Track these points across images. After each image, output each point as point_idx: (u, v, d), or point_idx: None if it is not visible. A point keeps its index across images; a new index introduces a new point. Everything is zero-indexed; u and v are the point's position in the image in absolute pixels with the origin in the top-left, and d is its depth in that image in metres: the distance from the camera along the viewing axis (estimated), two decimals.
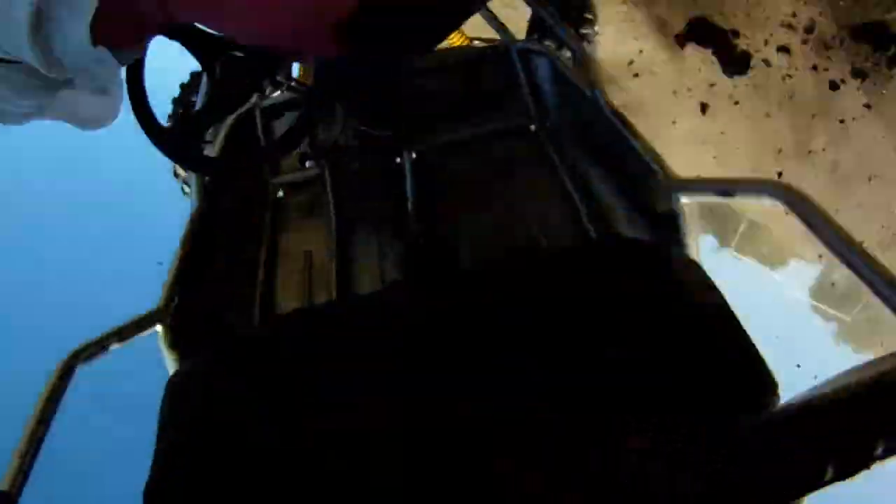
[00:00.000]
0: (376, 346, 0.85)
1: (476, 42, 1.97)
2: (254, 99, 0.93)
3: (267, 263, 1.69)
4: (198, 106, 1.54)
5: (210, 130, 1.63)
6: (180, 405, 0.89)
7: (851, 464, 0.50)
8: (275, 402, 0.82)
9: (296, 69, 1.74)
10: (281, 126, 1.89)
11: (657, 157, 1.24)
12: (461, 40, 2.00)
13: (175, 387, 0.93)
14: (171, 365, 1.17)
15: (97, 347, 1.05)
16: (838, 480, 0.50)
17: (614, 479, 0.62)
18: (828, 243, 0.78)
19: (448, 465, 0.69)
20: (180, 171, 2.25)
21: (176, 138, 0.91)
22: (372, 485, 0.70)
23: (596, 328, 0.81)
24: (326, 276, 1.63)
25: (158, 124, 0.95)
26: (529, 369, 0.79)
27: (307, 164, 1.85)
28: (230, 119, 0.91)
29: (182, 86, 2.15)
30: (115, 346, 1.09)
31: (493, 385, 0.77)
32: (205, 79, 1.59)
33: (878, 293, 0.70)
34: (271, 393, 0.83)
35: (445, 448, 0.70)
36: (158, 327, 1.20)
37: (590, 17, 1.93)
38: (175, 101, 2.10)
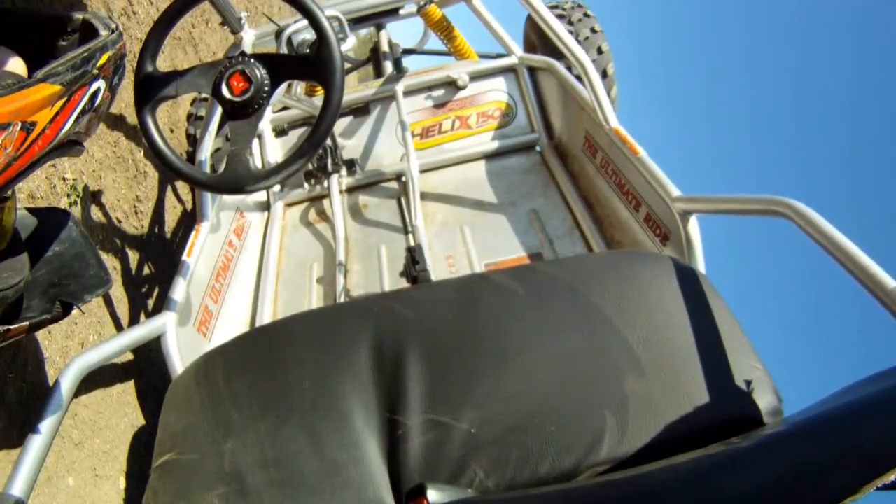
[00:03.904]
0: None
1: (484, 59, 1.99)
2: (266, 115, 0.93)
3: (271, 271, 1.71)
4: (208, 132, 1.54)
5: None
6: (180, 410, 0.88)
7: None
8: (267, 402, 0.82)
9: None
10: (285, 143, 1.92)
11: (662, 176, 1.27)
12: (470, 57, 2.02)
13: (176, 391, 0.93)
14: (175, 370, 1.15)
15: (101, 353, 1.03)
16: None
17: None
18: (835, 256, 0.83)
19: None
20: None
21: (233, 179, 0.93)
22: None
23: (602, 336, 0.81)
24: (328, 285, 1.65)
25: (206, 174, 0.97)
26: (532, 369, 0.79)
27: (311, 181, 1.86)
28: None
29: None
30: (119, 352, 1.07)
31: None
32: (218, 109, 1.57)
33: (880, 301, 0.76)
34: (265, 393, 0.83)
35: None
36: (164, 332, 1.19)
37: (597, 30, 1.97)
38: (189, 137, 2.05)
